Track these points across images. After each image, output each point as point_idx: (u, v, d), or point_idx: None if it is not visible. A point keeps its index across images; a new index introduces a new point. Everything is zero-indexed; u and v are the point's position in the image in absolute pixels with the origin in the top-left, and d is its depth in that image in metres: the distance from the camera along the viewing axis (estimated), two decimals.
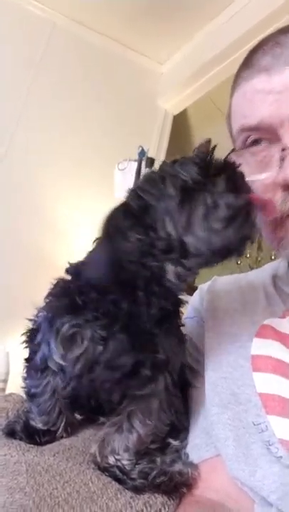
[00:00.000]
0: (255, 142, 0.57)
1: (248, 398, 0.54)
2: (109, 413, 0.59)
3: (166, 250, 0.49)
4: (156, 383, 0.54)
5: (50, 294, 0.58)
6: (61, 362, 0.53)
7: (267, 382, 0.54)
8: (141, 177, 1.95)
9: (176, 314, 0.58)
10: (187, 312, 0.77)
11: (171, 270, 0.50)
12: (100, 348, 0.51)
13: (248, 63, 0.59)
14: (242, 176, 0.50)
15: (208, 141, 0.53)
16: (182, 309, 0.60)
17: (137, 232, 0.49)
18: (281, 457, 0.48)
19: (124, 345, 0.51)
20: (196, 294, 0.77)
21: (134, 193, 0.52)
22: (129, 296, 0.51)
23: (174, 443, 0.59)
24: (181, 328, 0.61)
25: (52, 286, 0.58)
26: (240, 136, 0.59)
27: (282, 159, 0.53)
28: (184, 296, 0.58)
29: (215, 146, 0.53)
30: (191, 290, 0.83)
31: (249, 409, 0.53)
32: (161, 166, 0.53)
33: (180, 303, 0.58)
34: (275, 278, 0.68)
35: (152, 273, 0.50)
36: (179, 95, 2.27)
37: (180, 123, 2.53)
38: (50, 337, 0.54)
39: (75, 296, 0.54)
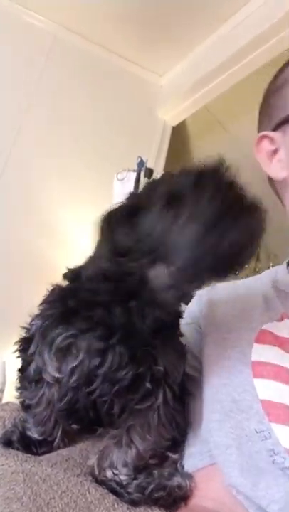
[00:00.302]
0: None
1: (250, 405, 0.53)
2: (107, 425, 0.57)
3: (146, 252, 0.48)
4: (156, 397, 0.52)
5: (44, 301, 0.56)
6: (56, 374, 0.52)
7: (268, 389, 0.53)
8: (140, 187, 1.96)
9: (175, 325, 0.57)
10: (185, 318, 0.77)
11: (154, 276, 0.48)
12: (97, 360, 0.50)
13: None
14: (230, 184, 0.49)
15: (220, 160, 0.52)
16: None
17: (124, 231, 0.49)
18: (288, 468, 0.47)
19: (124, 358, 0.50)
20: (194, 299, 0.77)
21: (131, 195, 0.53)
22: (123, 305, 0.50)
23: (173, 456, 0.58)
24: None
25: (47, 293, 0.56)
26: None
27: None
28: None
29: (223, 161, 0.52)
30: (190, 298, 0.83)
31: (251, 417, 0.53)
32: (162, 175, 0.54)
33: (179, 314, 0.57)
34: (275, 282, 0.67)
35: (139, 279, 0.49)
36: (177, 107, 2.29)
37: (179, 134, 2.55)
38: (44, 348, 0.52)
39: (69, 303, 0.52)
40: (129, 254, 0.48)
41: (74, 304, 0.52)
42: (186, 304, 0.64)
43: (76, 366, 0.50)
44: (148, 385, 0.51)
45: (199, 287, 0.54)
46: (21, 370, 0.59)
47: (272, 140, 0.69)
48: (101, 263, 0.52)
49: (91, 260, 0.54)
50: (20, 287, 1.75)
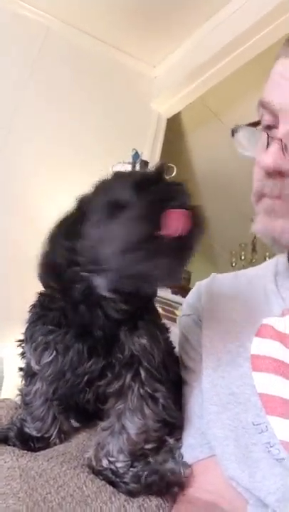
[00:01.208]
0: (268, 127, 0.56)
1: (248, 398, 0.54)
2: (101, 415, 0.59)
3: (89, 261, 0.50)
4: (124, 379, 0.55)
5: (31, 306, 0.61)
6: (36, 367, 0.57)
7: (267, 383, 0.53)
8: None
9: (145, 309, 0.58)
10: (183, 309, 0.76)
11: (99, 283, 0.51)
12: (64, 357, 0.54)
13: (285, 45, 0.58)
14: (165, 197, 0.49)
15: (160, 166, 0.53)
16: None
17: (68, 240, 0.52)
18: (283, 459, 0.48)
19: (82, 355, 0.54)
20: (194, 290, 0.76)
21: (79, 201, 0.55)
22: (75, 309, 0.54)
23: (170, 440, 0.59)
24: (176, 324, 0.61)
25: (36, 297, 0.61)
26: (258, 110, 0.58)
27: (268, 144, 0.54)
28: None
29: (163, 167, 0.53)
30: (187, 292, 0.83)
31: (249, 409, 0.53)
32: (108, 177, 0.55)
33: (149, 299, 0.59)
34: (276, 275, 0.67)
35: (87, 284, 0.52)
36: (172, 98, 2.28)
37: (173, 126, 2.53)
38: (27, 345, 0.58)
39: (44, 307, 0.58)
40: (71, 260, 0.51)
41: (44, 308, 0.58)
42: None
43: (51, 362, 0.55)
44: (113, 371, 0.54)
45: (147, 290, 0.55)
46: (22, 369, 0.63)
47: None
48: (48, 272, 0.55)
49: (42, 270, 0.56)
50: (16, 286, 1.74)
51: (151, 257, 0.47)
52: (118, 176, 0.55)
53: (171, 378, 0.61)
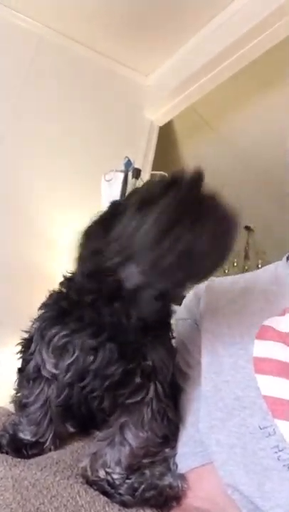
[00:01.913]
0: None
1: (253, 401, 0.53)
2: (101, 425, 0.59)
3: (117, 252, 0.50)
4: (147, 391, 0.54)
5: (43, 305, 0.59)
6: (54, 371, 0.55)
7: (272, 385, 0.53)
8: (128, 188, 1.96)
9: (164, 325, 0.58)
10: (180, 313, 0.76)
11: (125, 275, 0.51)
12: (90, 357, 0.53)
13: None
14: (192, 189, 0.49)
15: (199, 173, 0.53)
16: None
17: (100, 235, 0.52)
18: None
19: (114, 355, 0.52)
20: (191, 294, 0.75)
21: (112, 204, 0.56)
22: (109, 305, 0.53)
23: (166, 450, 0.59)
24: (173, 328, 0.61)
25: (46, 298, 0.60)
26: None
27: None
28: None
29: (201, 177, 0.52)
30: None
31: (254, 413, 0.52)
32: (145, 182, 0.57)
33: (168, 315, 0.59)
34: (276, 277, 0.67)
35: (116, 278, 0.51)
36: (164, 107, 2.29)
37: (166, 134, 2.55)
38: (42, 347, 0.56)
39: (63, 305, 0.56)
40: (103, 254, 0.51)
41: (66, 305, 0.55)
42: (175, 304, 0.64)
43: (71, 363, 0.53)
44: (138, 379, 0.53)
45: (178, 288, 0.54)
46: (21, 370, 0.62)
47: None
48: (83, 265, 0.54)
49: (77, 264, 0.56)
50: (12, 291, 1.73)
51: (190, 229, 0.46)
52: (147, 181, 0.56)
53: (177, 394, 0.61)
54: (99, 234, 0.52)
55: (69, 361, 0.54)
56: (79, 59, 2.22)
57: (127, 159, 2.00)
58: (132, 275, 0.50)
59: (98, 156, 2.11)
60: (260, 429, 0.51)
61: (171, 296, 0.54)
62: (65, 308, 0.56)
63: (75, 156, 2.07)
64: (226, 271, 3.88)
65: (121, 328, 0.53)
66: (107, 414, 0.57)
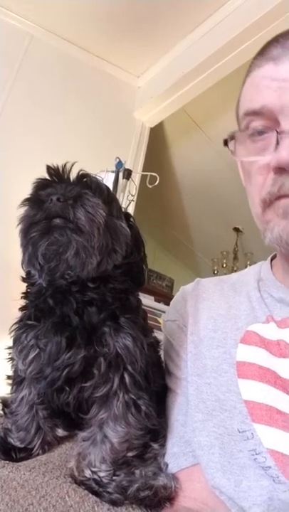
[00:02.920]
0: (260, 133, 0.56)
1: (233, 405, 0.54)
2: (83, 424, 0.59)
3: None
4: (112, 384, 0.55)
5: (20, 308, 0.61)
6: (22, 367, 0.57)
7: (252, 390, 0.53)
8: (118, 187, 1.96)
9: (128, 312, 0.58)
10: (169, 314, 0.76)
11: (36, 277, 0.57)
12: (44, 350, 0.55)
13: (262, 52, 0.59)
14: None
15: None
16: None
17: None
18: (269, 467, 0.47)
19: (60, 346, 0.54)
20: (178, 295, 0.76)
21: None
22: (52, 298, 0.57)
23: (154, 446, 0.59)
24: (160, 332, 0.62)
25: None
26: (244, 120, 0.58)
27: (277, 143, 0.53)
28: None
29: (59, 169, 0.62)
30: (170, 300, 0.83)
31: (234, 416, 0.53)
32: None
33: (130, 303, 0.60)
34: (259, 281, 0.67)
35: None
36: (155, 108, 2.30)
37: (157, 135, 2.56)
38: (14, 348, 0.58)
39: (27, 307, 0.60)
40: None
41: (29, 306, 0.59)
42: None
43: (34, 358, 0.55)
44: (96, 370, 0.54)
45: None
46: (9, 377, 0.63)
47: None
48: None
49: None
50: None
51: (39, 243, 0.53)
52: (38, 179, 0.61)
53: (153, 387, 0.61)
54: None
55: (31, 356, 0.55)
56: (70, 59, 2.21)
57: (118, 160, 2.00)
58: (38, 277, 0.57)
59: (89, 156, 2.10)
60: (239, 432, 0.51)
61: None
62: (27, 308, 0.59)
63: (65, 155, 2.06)
64: (215, 272, 3.91)
65: (65, 318, 0.55)
66: (80, 410, 0.58)
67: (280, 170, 0.53)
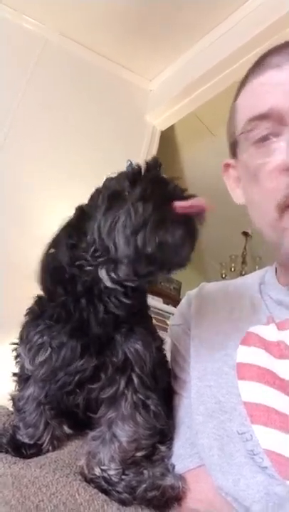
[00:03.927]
0: (264, 139, 0.57)
1: (233, 407, 0.54)
2: (92, 424, 0.60)
3: (95, 254, 0.52)
4: (118, 385, 0.55)
5: (27, 310, 0.61)
6: (30, 367, 0.57)
7: (252, 391, 0.54)
8: None
9: (140, 317, 0.59)
10: (174, 319, 0.77)
11: (104, 275, 0.53)
12: (59, 355, 0.54)
13: (259, 63, 0.60)
14: (162, 184, 0.51)
15: (155, 158, 0.56)
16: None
17: (72, 239, 0.54)
18: (266, 468, 0.48)
19: (75, 352, 0.54)
20: (184, 300, 0.77)
21: (76, 209, 0.58)
22: (76, 302, 0.54)
23: (162, 448, 0.60)
24: (166, 331, 0.62)
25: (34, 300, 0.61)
26: (248, 126, 0.58)
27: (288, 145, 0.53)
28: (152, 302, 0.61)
29: (157, 163, 0.56)
30: (177, 302, 0.84)
31: (234, 418, 0.53)
32: (103, 182, 0.57)
33: (143, 307, 0.60)
34: (261, 285, 0.67)
35: (92, 278, 0.53)
36: (166, 112, 2.31)
37: (167, 138, 2.56)
38: (22, 346, 0.58)
39: (39, 307, 0.58)
40: (76, 256, 0.53)
41: (42, 307, 0.58)
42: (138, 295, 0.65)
43: (45, 360, 0.55)
44: (103, 375, 0.54)
45: (145, 280, 0.54)
46: (15, 374, 0.63)
47: (234, 167, 0.69)
48: (50, 270, 0.56)
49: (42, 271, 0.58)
50: (6, 293, 1.73)
51: (159, 235, 0.48)
52: (110, 177, 0.57)
53: (160, 387, 0.61)
54: (69, 240, 0.55)
55: (42, 358, 0.55)
56: (83, 62, 2.24)
57: (129, 162, 2.01)
58: (107, 274, 0.52)
59: (101, 158, 2.12)
60: (238, 434, 0.52)
61: (142, 291, 0.55)
62: (41, 310, 0.58)
63: (78, 157, 2.08)
64: (224, 275, 3.90)
65: (85, 324, 0.54)
66: (88, 410, 0.58)
67: None
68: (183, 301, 0.77)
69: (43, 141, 2.03)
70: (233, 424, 0.53)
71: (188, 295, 0.77)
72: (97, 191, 0.56)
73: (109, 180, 0.56)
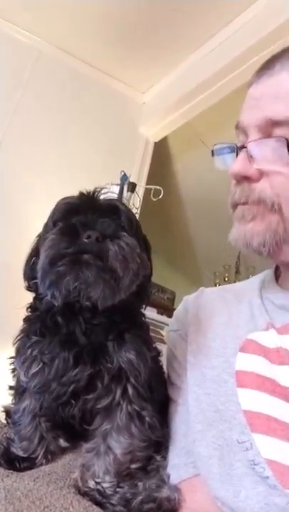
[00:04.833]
0: (241, 148, 0.60)
1: (233, 415, 0.54)
2: (86, 436, 0.59)
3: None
4: (114, 395, 0.55)
5: (24, 319, 0.62)
6: (23, 379, 0.57)
7: (252, 399, 0.53)
8: (122, 200, 1.97)
9: (132, 327, 0.59)
10: (171, 324, 0.76)
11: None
12: (52, 367, 0.55)
13: (255, 73, 0.63)
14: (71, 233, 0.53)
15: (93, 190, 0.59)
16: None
17: (32, 261, 0.59)
18: (267, 477, 0.47)
19: (67, 362, 0.55)
20: (181, 305, 0.76)
21: (45, 223, 0.61)
22: (51, 318, 0.57)
23: (157, 457, 0.59)
24: (162, 340, 0.62)
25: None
26: (236, 133, 0.63)
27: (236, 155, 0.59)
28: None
29: (95, 193, 0.59)
30: (171, 312, 0.83)
31: (233, 427, 0.53)
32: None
33: (135, 317, 0.61)
34: (261, 289, 0.67)
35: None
36: (159, 123, 2.33)
37: (161, 150, 2.58)
38: (17, 359, 0.59)
39: (32, 319, 0.60)
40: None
41: (34, 319, 0.60)
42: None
43: (37, 372, 0.56)
44: (99, 384, 0.55)
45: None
46: (12, 387, 0.64)
47: None
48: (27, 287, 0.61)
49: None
50: (3, 300, 1.72)
51: (64, 276, 0.51)
52: (57, 204, 0.60)
53: (156, 398, 0.61)
54: (33, 258, 0.59)
55: (35, 370, 0.56)
56: (77, 74, 2.26)
57: (122, 173, 2.02)
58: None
59: (95, 169, 2.13)
60: (238, 443, 0.51)
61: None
62: (33, 321, 0.59)
63: (71, 169, 2.09)
64: (218, 285, 3.91)
65: (72, 336, 0.56)
66: (84, 421, 0.58)
67: (236, 179, 0.59)
68: (180, 307, 0.77)
69: (37, 151, 2.03)
70: (232, 432, 0.52)
71: (185, 300, 0.77)
72: (51, 211, 0.60)
73: (57, 204, 0.60)
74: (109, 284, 0.52)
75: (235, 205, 0.60)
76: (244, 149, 0.57)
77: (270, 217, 0.56)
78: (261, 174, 0.56)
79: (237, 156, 0.59)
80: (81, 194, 0.57)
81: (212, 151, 0.67)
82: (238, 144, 0.62)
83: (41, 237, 0.59)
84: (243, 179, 0.57)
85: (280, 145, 0.54)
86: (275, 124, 0.55)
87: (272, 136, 0.55)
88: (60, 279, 0.51)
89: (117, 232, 0.53)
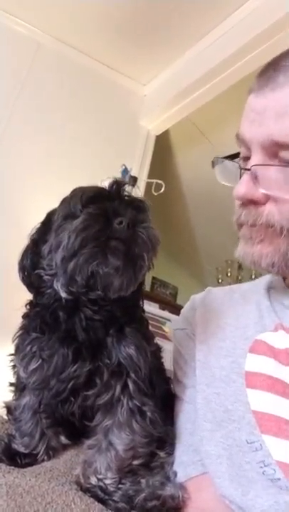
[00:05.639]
0: (245, 158, 0.59)
1: (242, 415, 0.53)
2: (88, 432, 0.59)
3: (50, 264, 0.56)
4: (114, 391, 0.55)
5: (23, 315, 0.61)
6: (23, 375, 0.57)
7: (262, 400, 0.53)
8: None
9: (131, 322, 0.59)
10: (178, 323, 0.76)
11: (58, 287, 0.55)
12: (51, 363, 0.55)
13: (256, 77, 0.61)
14: (104, 218, 0.53)
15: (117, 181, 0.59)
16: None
17: (34, 246, 0.59)
18: (279, 479, 0.47)
19: (66, 359, 0.54)
20: (188, 304, 0.76)
21: (47, 213, 0.61)
22: (52, 314, 0.56)
23: (161, 454, 0.59)
24: (164, 341, 0.61)
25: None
26: (237, 141, 0.61)
27: (240, 176, 0.57)
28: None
29: (118, 183, 0.58)
30: (173, 308, 0.83)
31: (242, 427, 0.52)
32: (61, 200, 0.60)
33: (135, 312, 0.61)
34: (269, 290, 0.67)
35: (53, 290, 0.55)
36: (161, 116, 2.31)
37: (162, 143, 2.57)
38: (17, 355, 0.59)
39: (30, 316, 0.59)
40: (40, 267, 0.57)
41: (32, 315, 0.59)
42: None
43: (36, 368, 0.56)
44: (98, 379, 0.55)
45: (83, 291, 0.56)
46: (12, 384, 0.63)
47: None
48: (23, 280, 0.60)
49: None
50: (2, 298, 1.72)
51: (92, 266, 0.51)
52: (75, 191, 0.59)
53: (157, 393, 0.61)
54: (33, 249, 0.58)
55: (34, 366, 0.56)
56: (77, 67, 2.24)
57: (123, 167, 2.01)
58: (62, 287, 0.54)
59: (95, 162, 2.12)
60: (248, 443, 0.51)
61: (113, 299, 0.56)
62: (32, 318, 0.59)
63: (72, 162, 2.08)
64: (220, 280, 3.90)
65: (71, 332, 0.55)
66: (84, 418, 0.58)
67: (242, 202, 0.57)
68: (187, 305, 0.77)
69: (37, 145, 2.02)
70: (241, 433, 0.52)
71: (193, 299, 0.76)
72: (60, 204, 0.59)
73: (71, 195, 0.59)
74: (131, 272, 0.52)
75: (241, 225, 0.60)
76: (247, 171, 0.56)
77: (279, 240, 0.55)
78: (267, 197, 0.55)
79: (240, 176, 0.57)
80: (113, 182, 0.57)
81: (212, 162, 0.65)
82: (241, 156, 0.60)
83: (47, 225, 0.58)
84: (249, 202, 0.56)
85: (288, 170, 0.53)
86: (281, 146, 0.53)
87: (278, 157, 0.54)
88: (86, 262, 0.51)
89: (145, 222, 0.54)
